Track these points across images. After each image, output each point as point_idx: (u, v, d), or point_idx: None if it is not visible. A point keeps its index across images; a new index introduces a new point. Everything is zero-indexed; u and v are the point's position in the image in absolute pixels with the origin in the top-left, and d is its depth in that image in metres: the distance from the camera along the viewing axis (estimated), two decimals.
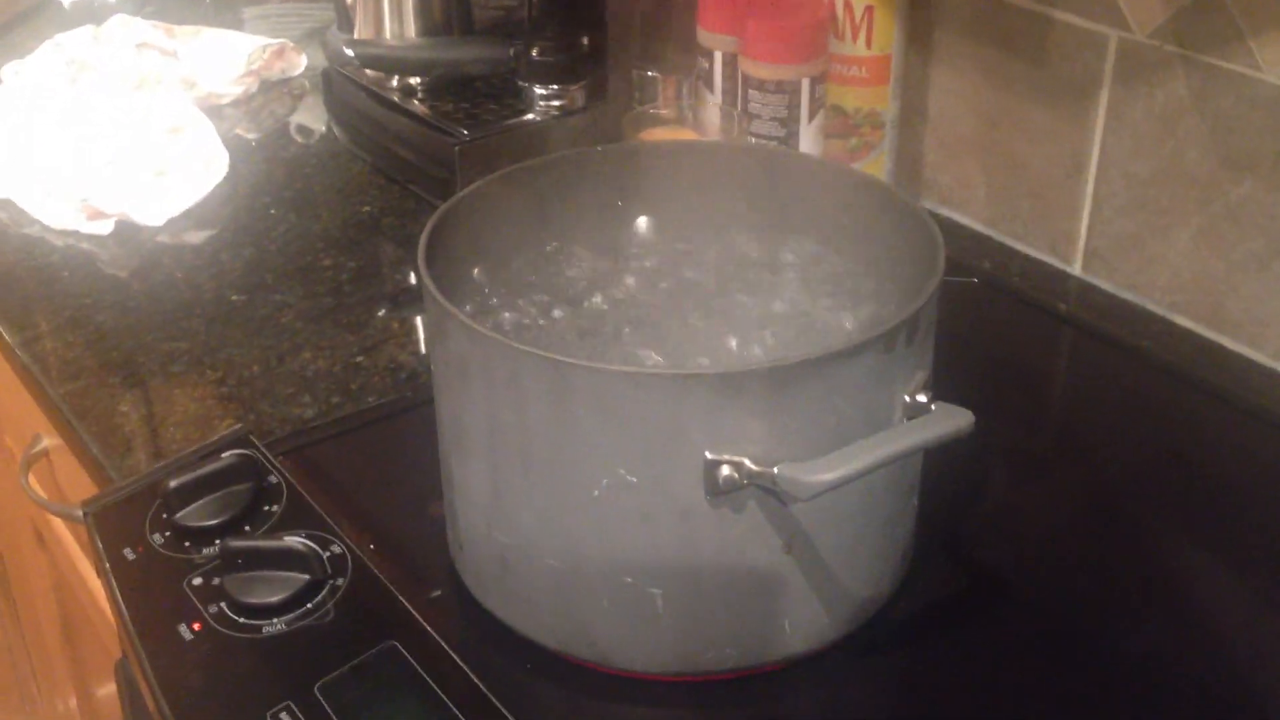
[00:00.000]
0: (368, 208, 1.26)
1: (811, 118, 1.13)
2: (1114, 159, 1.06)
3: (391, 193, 1.28)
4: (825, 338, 0.74)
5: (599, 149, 0.87)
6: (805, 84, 1.11)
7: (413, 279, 1.17)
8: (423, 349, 1.03)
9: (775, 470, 0.63)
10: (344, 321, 1.07)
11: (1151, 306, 1.06)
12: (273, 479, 0.85)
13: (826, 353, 0.64)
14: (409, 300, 1.12)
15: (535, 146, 1.22)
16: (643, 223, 0.85)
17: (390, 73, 1.29)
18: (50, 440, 1.15)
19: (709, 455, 0.65)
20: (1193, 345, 1.03)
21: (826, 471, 0.62)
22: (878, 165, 1.20)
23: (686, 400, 0.64)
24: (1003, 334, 1.09)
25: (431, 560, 0.81)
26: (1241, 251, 0.99)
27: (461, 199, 0.80)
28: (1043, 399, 1.03)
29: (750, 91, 1.13)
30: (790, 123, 1.13)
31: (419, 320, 1.09)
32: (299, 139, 1.42)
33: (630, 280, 0.80)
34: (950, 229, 1.20)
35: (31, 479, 1.19)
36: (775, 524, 0.68)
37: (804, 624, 0.72)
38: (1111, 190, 1.07)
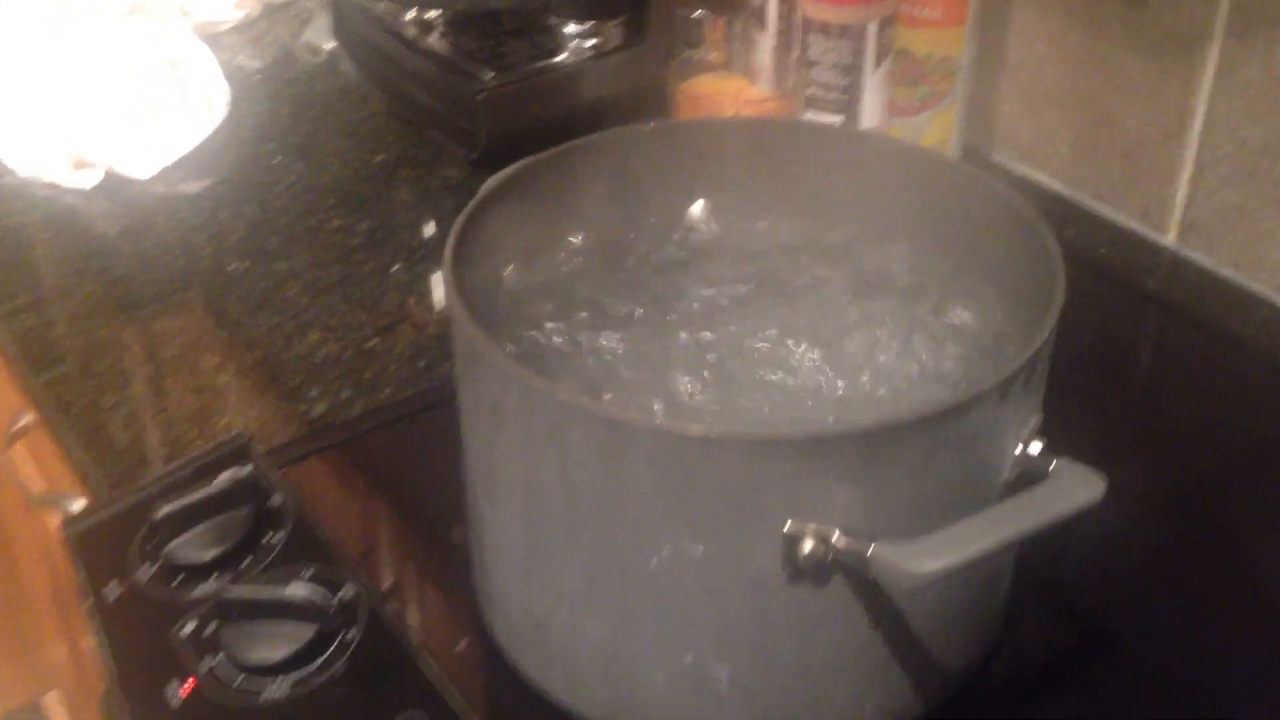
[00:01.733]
0: (381, 156, 1.14)
1: (878, 65, 1.01)
2: (1223, 121, 0.93)
3: (407, 138, 1.16)
4: (921, 376, 0.63)
5: (647, 127, 0.75)
6: (872, 27, 0.99)
7: (430, 230, 1.06)
8: (443, 331, 0.92)
9: (869, 551, 0.53)
10: (355, 296, 0.96)
11: (1257, 288, 0.95)
12: (276, 500, 0.75)
13: (933, 410, 0.54)
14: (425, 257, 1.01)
15: (567, 93, 1.10)
16: (697, 221, 0.74)
17: (406, 3, 1.16)
18: (33, 416, 1.05)
19: (790, 526, 0.55)
20: None
21: (931, 559, 0.52)
22: (948, 116, 1.08)
23: (767, 465, 0.53)
24: (1082, 310, 0.97)
25: (456, 600, 0.71)
26: None
27: (491, 193, 0.68)
28: (1128, 391, 0.92)
29: (810, 36, 1.00)
30: (854, 71, 1.00)
31: (435, 286, 0.98)
32: (307, 57, 1.29)
33: (681, 295, 0.69)
34: (1028, 188, 1.08)
35: (19, 451, 1.10)
36: (863, 600, 0.57)
37: (887, 703, 0.62)
38: (1217, 156, 0.95)
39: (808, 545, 0.55)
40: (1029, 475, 0.58)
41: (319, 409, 0.85)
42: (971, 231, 0.67)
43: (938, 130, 1.08)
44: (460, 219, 0.66)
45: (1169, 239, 1.00)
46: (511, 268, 0.71)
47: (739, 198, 0.73)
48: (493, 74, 1.07)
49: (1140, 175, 1.00)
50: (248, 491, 0.74)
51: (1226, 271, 0.97)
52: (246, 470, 0.76)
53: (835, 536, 0.54)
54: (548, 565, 0.61)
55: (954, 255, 0.69)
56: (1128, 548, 0.74)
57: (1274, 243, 0.93)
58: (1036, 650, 0.68)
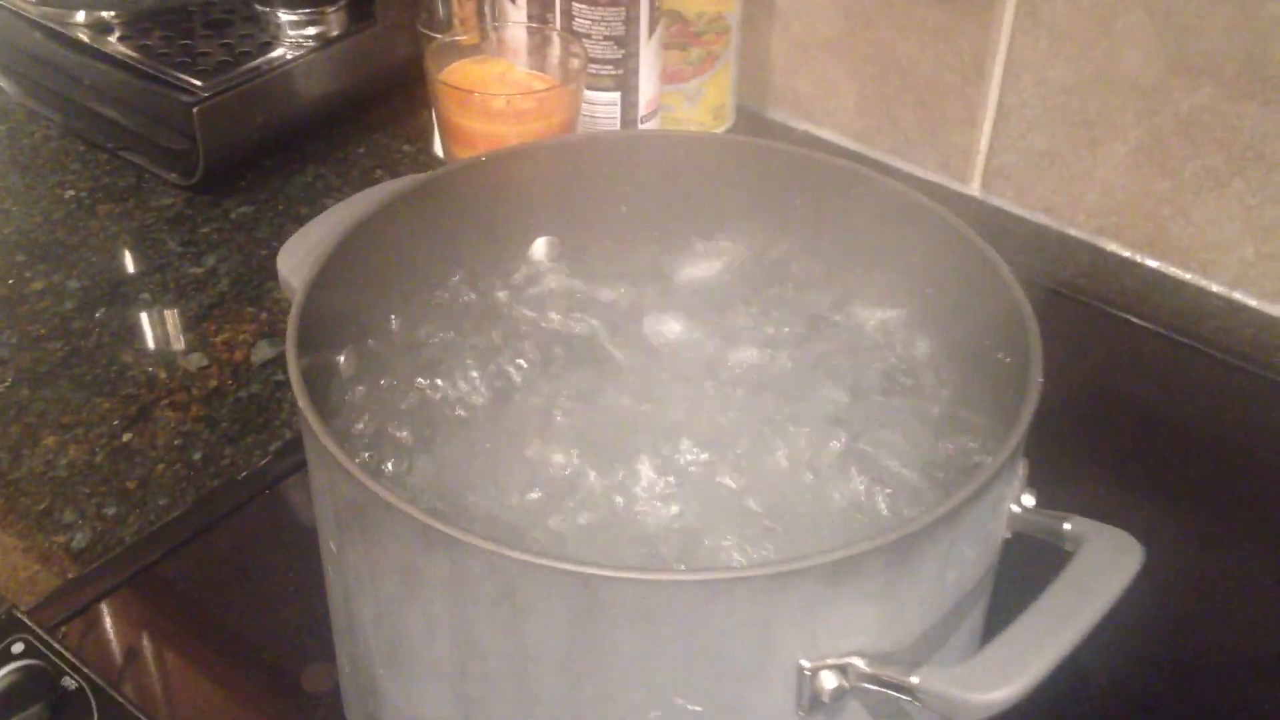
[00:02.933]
0: (71, 191, 0.95)
1: (651, 32, 0.90)
2: (1026, 62, 0.88)
3: (98, 164, 0.97)
4: (895, 441, 0.54)
5: (494, 155, 0.62)
6: None
7: (157, 278, 0.89)
8: (219, 401, 0.77)
9: (915, 680, 0.44)
10: (87, 379, 0.79)
11: (1074, 231, 0.91)
12: (70, 683, 0.59)
13: (959, 500, 0.45)
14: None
15: (294, 93, 0.94)
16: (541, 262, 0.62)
17: (72, 3, 0.97)
18: None
19: (806, 664, 0.45)
20: (1131, 274, 0.89)
21: (997, 686, 0.43)
22: (723, 77, 0.99)
23: (779, 601, 0.43)
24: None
25: None
26: (1194, 168, 0.84)
27: (326, 267, 0.54)
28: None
29: (575, 5, 0.88)
30: (629, 42, 0.90)
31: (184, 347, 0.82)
32: None
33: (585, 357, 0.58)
34: (810, 145, 1.01)
35: None
36: (878, 718, 0.49)
37: None
38: (1022, 99, 0.90)
39: (826, 681, 0.45)
40: (1024, 534, 0.51)
41: (81, 539, 0.69)
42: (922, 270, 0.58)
43: (714, 94, 0.99)
44: (295, 308, 0.52)
45: (973, 187, 0.95)
46: (347, 353, 0.57)
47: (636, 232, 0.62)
48: (203, 80, 0.90)
49: (937, 125, 0.95)
50: (33, 682, 0.58)
51: (1040, 218, 0.92)
52: (20, 652, 0.59)
53: (858, 664, 0.45)
54: None
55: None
56: None
57: (1090, 182, 0.89)
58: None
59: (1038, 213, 0.93)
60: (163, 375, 0.79)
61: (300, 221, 0.91)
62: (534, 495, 0.52)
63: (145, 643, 0.64)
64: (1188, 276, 0.87)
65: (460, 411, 0.57)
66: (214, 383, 0.79)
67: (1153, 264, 0.89)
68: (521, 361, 0.59)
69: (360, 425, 0.55)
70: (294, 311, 0.53)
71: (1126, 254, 0.89)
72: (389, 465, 0.53)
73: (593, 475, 0.53)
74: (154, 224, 0.92)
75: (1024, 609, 0.45)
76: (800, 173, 0.62)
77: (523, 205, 0.63)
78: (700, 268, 0.63)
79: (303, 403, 0.48)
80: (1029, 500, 0.51)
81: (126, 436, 0.75)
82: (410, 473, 0.53)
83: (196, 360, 0.80)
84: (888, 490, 0.52)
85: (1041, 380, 0.49)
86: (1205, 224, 0.85)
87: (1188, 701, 0.62)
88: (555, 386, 0.58)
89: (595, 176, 0.63)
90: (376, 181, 0.95)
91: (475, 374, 0.58)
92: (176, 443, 0.75)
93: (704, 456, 0.54)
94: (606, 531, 0.51)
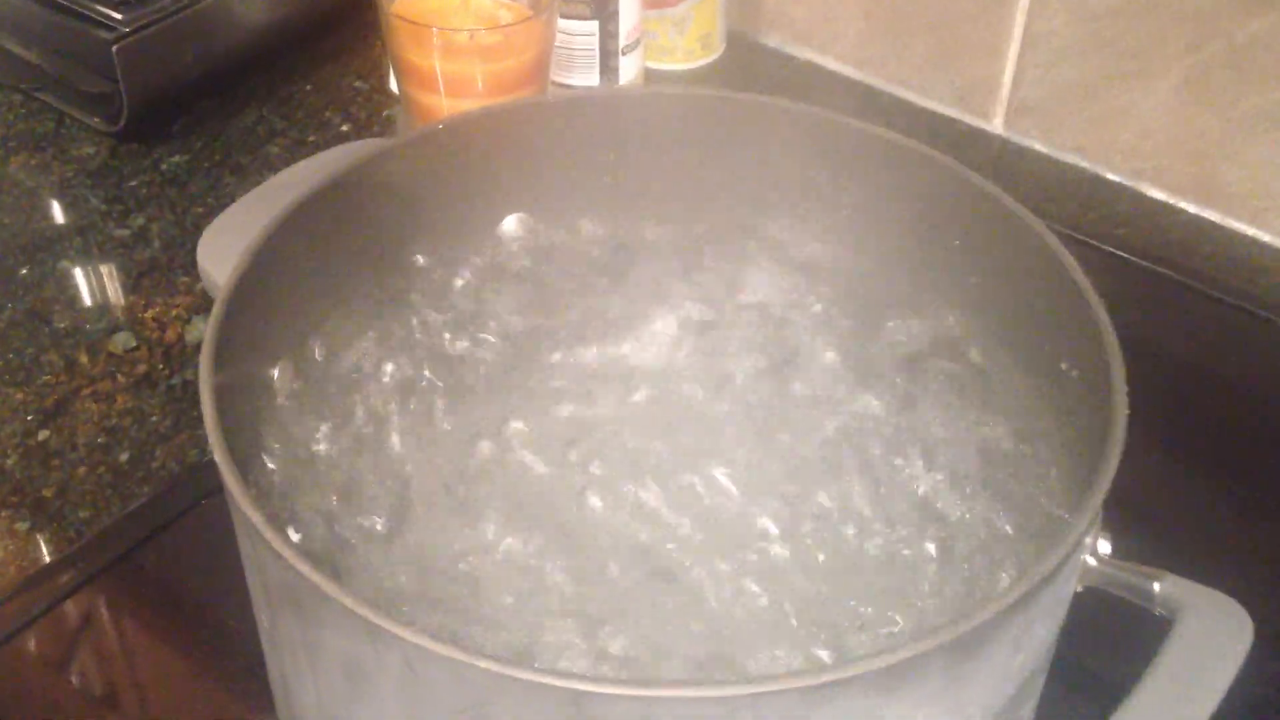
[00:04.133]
0: None
1: None
2: None
3: (11, 108, 0.86)
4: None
5: (452, 123, 0.53)
6: None
7: (81, 240, 0.78)
8: (149, 390, 0.67)
9: None
10: None
11: (1110, 174, 0.82)
12: None
13: (1040, 578, 0.36)
14: None
15: (227, 25, 0.84)
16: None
17: None
18: None
19: None
20: (1174, 223, 0.79)
21: None
22: (712, 2, 0.88)
23: (823, 712, 0.35)
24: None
25: None
26: (1248, 105, 0.75)
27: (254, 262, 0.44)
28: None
29: None
30: None
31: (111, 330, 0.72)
32: None
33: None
34: (811, 75, 0.91)
35: None
36: None
37: None
38: (1051, 26, 0.80)
39: None
40: (1100, 591, 0.42)
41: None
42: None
43: (702, 19, 0.89)
44: (214, 319, 0.42)
45: (995, 125, 0.85)
46: (282, 366, 0.48)
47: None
48: (124, 13, 0.79)
49: (953, 54, 0.84)
50: None
51: (1071, 158, 0.83)
52: None
53: None
54: None
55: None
56: None
57: (1128, 120, 0.79)
58: None
59: (1068, 153, 0.83)
60: (84, 360, 0.70)
61: (240, 173, 0.81)
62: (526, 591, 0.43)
63: (58, 695, 0.55)
64: (1239, 226, 0.78)
65: (425, 438, 0.48)
66: (143, 368, 0.69)
67: (1198, 212, 0.79)
68: (482, 368, 0.49)
69: (302, 467, 0.46)
70: (212, 323, 0.43)
71: (1169, 200, 0.80)
72: (341, 525, 0.44)
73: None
74: (74, 177, 0.81)
75: (1123, 694, 0.37)
76: (819, 138, 0.52)
77: (488, 179, 0.53)
78: (700, 254, 0.53)
79: (220, 455, 0.38)
80: (1105, 547, 0.42)
81: (43, 435, 0.66)
82: (371, 534, 0.44)
83: (123, 340, 0.71)
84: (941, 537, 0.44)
85: (1128, 411, 0.40)
86: (1259, 168, 0.76)
87: None
88: (542, 403, 0.48)
89: (574, 143, 0.53)
90: (326, 124, 0.86)
91: (440, 384, 0.49)
92: (100, 441, 0.65)
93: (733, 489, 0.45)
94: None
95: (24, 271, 0.74)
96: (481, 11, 0.76)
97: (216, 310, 0.43)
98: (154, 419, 0.66)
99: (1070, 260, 0.46)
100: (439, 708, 0.36)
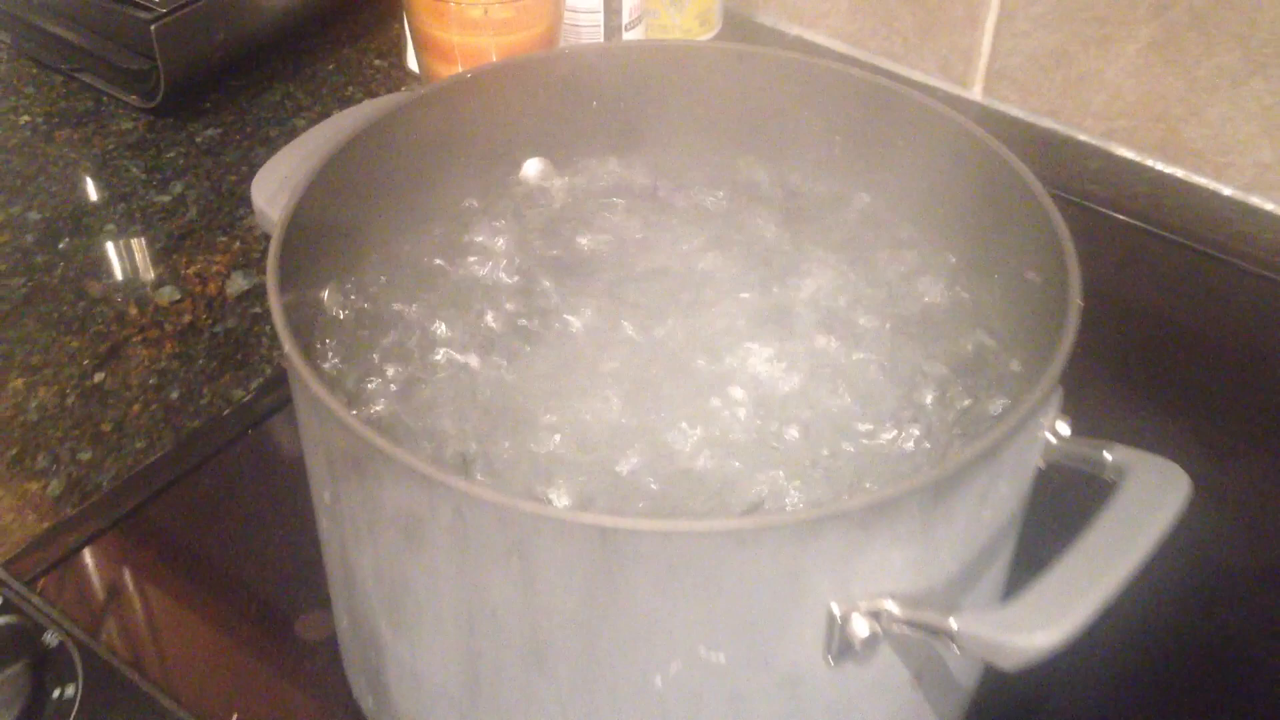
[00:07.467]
0: (26, 116, 0.90)
1: None
2: None
3: (54, 88, 0.92)
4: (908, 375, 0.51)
5: (478, 72, 0.58)
6: None
7: (122, 206, 0.84)
8: (194, 337, 0.73)
9: (954, 625, 0.41)
10: (53, 316, 0.75)
11: (1082, 135, 0.88)
12: (51, 639, 0.56)
13: (1003, 432, 0.42)
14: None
15: (259, 6, 0.89)
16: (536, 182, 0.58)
17: None
18: None
19: (836, 609, 0.42)
20: (1143, 179, 0.85)
21: (1045, 629, 0.40)
22: None
23: (812, 547, 0.40)
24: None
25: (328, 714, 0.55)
26: (1209, 66, 0.80)
27: (309, 191, 0.50)
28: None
29: None
30: None
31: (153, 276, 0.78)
32: None
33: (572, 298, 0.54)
34: (803, 50, 0.96)
35: None
36: (907, 659, 0.46)
37: None
38: None
39: (859, 626, 0.42)
40: (1059, 466, 0.48)
41: (56, 485, 0.65)
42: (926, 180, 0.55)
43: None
44: (275, 243, 0.48)
45: (974, 92, 0.91)
46: (330, 289, 0.54)
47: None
48: None
49: (936, 25, 0.90)
50: (13, 639, 0.55)
51: (1046, 122, 0.89)
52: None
53: (891, 608, 0.42)
54: (501, 702, 0.46)
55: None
56: None
57: (1099, 84, 0.85)
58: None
59: (1043, 117, 0.89)
60: (133, 311, 0.75)
61: (269, 144, 0.86)
62: (556, 439, 0.49)
63: (130, 593, 0.61)
64: (1202, 180, 0.84)
65: (464, 350, 0.53)
66: (188, 318, 0.75)
67: (1165, 168, 0.85)
68: (511, 302, 0.55)
69: (352, 366, 0.51)
70: (273, 248, 0.49)
71: (1137, 158, 0.86)
72: (379, 406, 0.50)
73: (617, 409, 0.49)
74: (115, 150, 0.87)
75: (1065, 545, 0.42)
76: (810, 83, 0.58)
77: (512, 124, 0.58)
78: (710, 193, 0.59)
79: (289, 348, 0.44)
80: (1064, 429, 0.48)
81: (99, 377, 0.71)
82: (412, 415, 0.50)
83: (168, 294, 0.76)
84: (915, 428, 0.49)
85: (1081, 303, 0.46)
86: (1220, 125, 0.82)
87: (1219, 645, 0.60)
88: (570, 319, 0.54)
89: (588, 91, 0.59)
90: (349, 100, 0.91)
91: (479, 306, 0.55)
92: (152, 382, 0.71)
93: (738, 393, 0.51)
94: (634, 477, 0.48)
95: (73, 233, 0.80)
96: None
97: (276, 233, 0.49)
98: (200, 362, 0.72)
99: (1036, 183, 0.51)
100: (485, 551, 0.41)
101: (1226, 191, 0.83)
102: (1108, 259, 0.80)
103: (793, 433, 0.49)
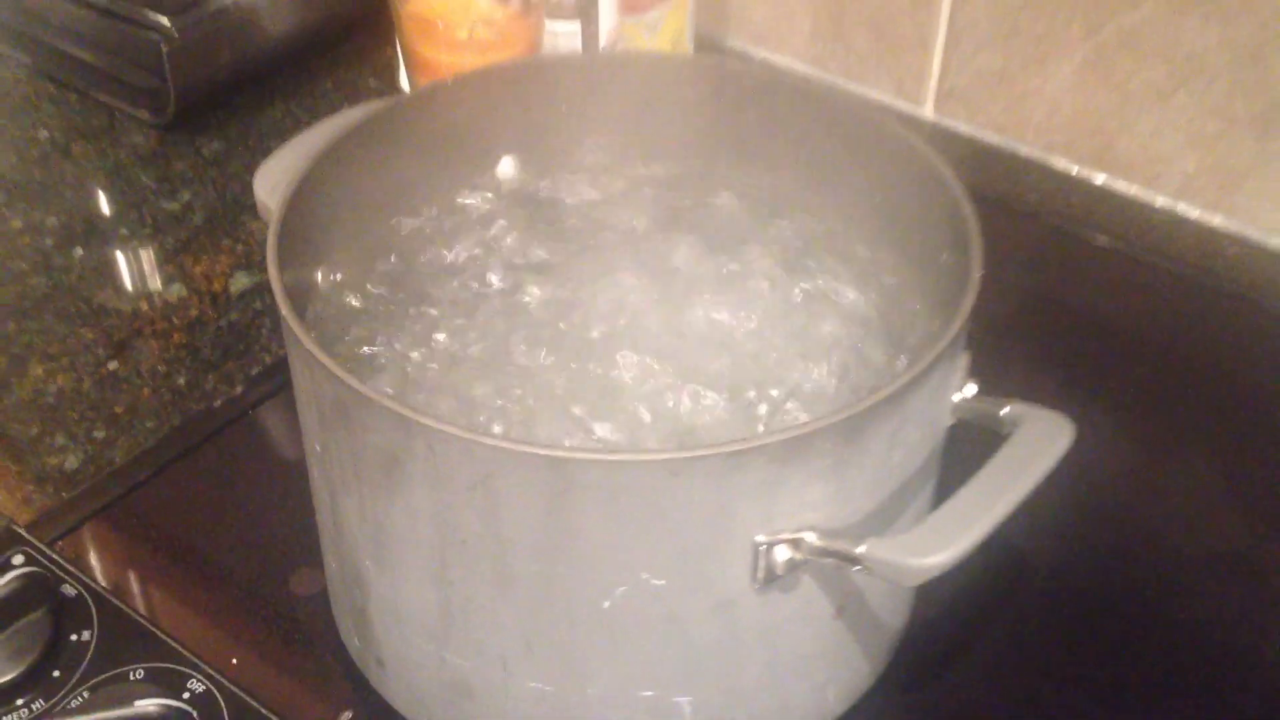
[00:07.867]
0: (45, 131, 0.97)
1: None
2: None
3: (70, 105, 0.99)
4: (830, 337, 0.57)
5: (459, 78, 0.65)
6: None
7: (134, 214, 0.91)
8: (200, 330, 0.79)
9: (862, 550, 0.47)
10: (71, 311, 0.81)
11: (1024, 150, 0.94)
12: (69, 590, 0.62)
13: (904, 381, 0.48)
14: None
15: (264, 28, 0.96)
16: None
17: None
18: None
19: (760, 539, 0.48)
20: (1078, 190, 0.92)
21: (936, 551, 0.47)
22: (682, 8, 1.01)
23: (738, 479, 0.47)
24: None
25: (325, 664, 0.61)
26: (1138, 82, 0.87)
27: (305, 179, 0.57)
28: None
29: None
30: None
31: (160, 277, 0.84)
32: None
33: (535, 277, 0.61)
34: (770, 71, 1.03)
35: None
36: (829, 591, 0.52)
37: (846, 683, 0.58)
38: (972, 19, 0.92)
39: (781, 554, 0.49)
40: (967, 422, 0.54)
41: (73, 461, 0.71)
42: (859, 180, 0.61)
43: (673, 23, 1.01)
44: (274, 224, 0.55)
45: (926, 110, 0.98)
46: (323, 270, 0.60)
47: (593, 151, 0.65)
48: (172, 19, 0.92)
49: (890, 48, 0.97)
50: (34, 590, 0.61)
51: (991, 137, 0.95)
52: (20, 563, 0.62)
53: (809, 538, 0.48)
54: (471, 627, 0.52)
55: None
56: None
57: (1039, 101, 0.92)
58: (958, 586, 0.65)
59: (989, 132, 0.95)
60: (144, 307, 0.82)
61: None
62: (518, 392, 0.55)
63: (138, 554, 0.67)
64: (1133, 190, 0.91)
65: (441, 318, 0.60)
66: (194, 312, 0.81)
67: (1100, 179, 0.92)
68: (494, 274, 0.62)
69: (344, 336, 0.58)
70: (272, 228, 0.55)
71: (1074, 170, 0.93)
72: (374, 355, 0.56)
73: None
74: (128, 162, 0.94)
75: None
76: (754, 89, 0.65)
77: (490, 126, 0.65)
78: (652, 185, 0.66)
79: (285, 311, 0.50)
80: (971, 389, 0.54)
81: (112, 365, 0.78)
82: (401, 371, 0.56)
83: (176, 291, 0.83)
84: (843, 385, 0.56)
85: (981, 273, 0.52)
86: (1149, 137, 0.88)
87: (1126, 590, 0.66)
88: (533, 291, 0.61)
89: (560, 98, 0.65)
90: None
91: (454, 283, 0.61)
92: (160, 370, 0.77)
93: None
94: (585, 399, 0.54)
95: (89, 238, 0.87)
96: (480, 11, 0.89)
97: (275, 213, 0.55)
98: (205, 352, 0.78)
99: (946, 171, 0.58)
100: (455, 483, 0.47)
101: (1157, 201, 0.90)
102: (1047, 266, 0.87)
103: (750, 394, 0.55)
